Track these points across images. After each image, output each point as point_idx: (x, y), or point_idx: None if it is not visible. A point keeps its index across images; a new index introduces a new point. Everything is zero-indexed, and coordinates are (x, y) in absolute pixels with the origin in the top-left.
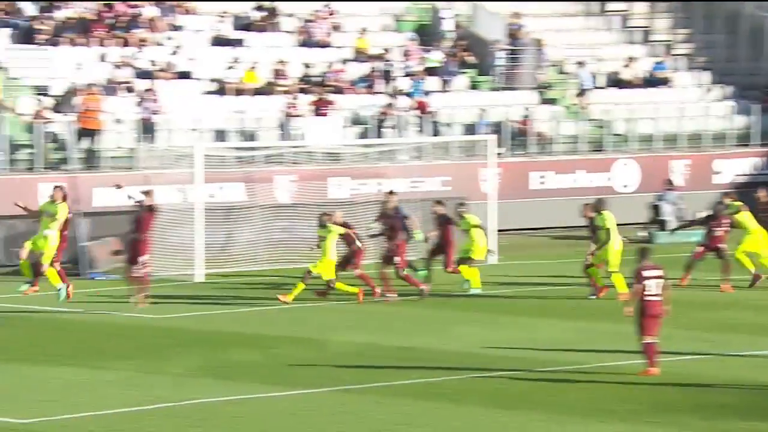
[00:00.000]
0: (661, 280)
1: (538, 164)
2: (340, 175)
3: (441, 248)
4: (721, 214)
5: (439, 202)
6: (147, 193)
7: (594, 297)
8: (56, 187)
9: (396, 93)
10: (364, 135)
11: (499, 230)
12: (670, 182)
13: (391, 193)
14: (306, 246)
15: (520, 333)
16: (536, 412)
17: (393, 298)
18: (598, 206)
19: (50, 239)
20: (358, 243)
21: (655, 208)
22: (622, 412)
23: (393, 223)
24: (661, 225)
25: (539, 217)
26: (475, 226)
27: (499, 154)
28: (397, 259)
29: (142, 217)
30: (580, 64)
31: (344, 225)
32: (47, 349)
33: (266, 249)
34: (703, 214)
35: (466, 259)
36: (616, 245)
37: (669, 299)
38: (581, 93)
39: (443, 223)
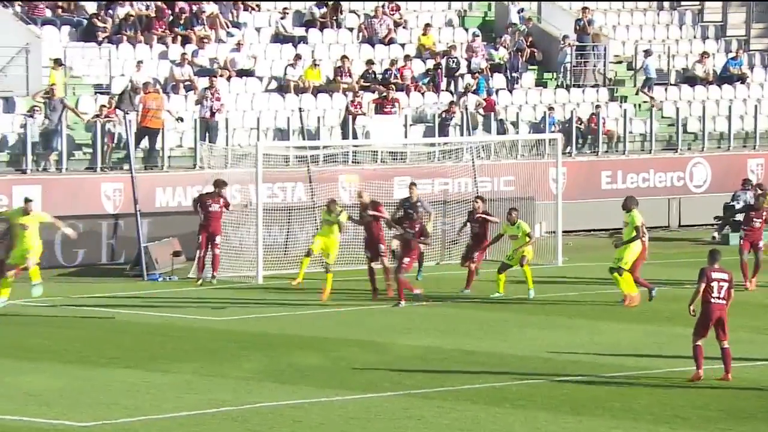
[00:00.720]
0: (726, 284)
1: (607, 163)
2: (403, 174)
3: (476, 245)
4: (761, 205)
5: (480, 198)
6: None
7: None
8: (27, 200)
9: (462, 91)
10: (427, 134)
11: (566, 231)
12: (747, 182)
13: (412, 185)
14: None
15: (586, 336)
16: (605, 419)
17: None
18: (627, 204)
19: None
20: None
21: (730, 209)
22: (694, 418)
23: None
24: (736, 227)
25: (607, 217)
26: (527, 235)
27: (566, 153)
28: (406, 259)
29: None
30: (646, 52)
31: (374, 206)
32: (105, 352)
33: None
34: (741, 205)
35: (507, 266)
36: (637, 246)
37: (729, 304)
38: (646, 85)
39: (482, 220)
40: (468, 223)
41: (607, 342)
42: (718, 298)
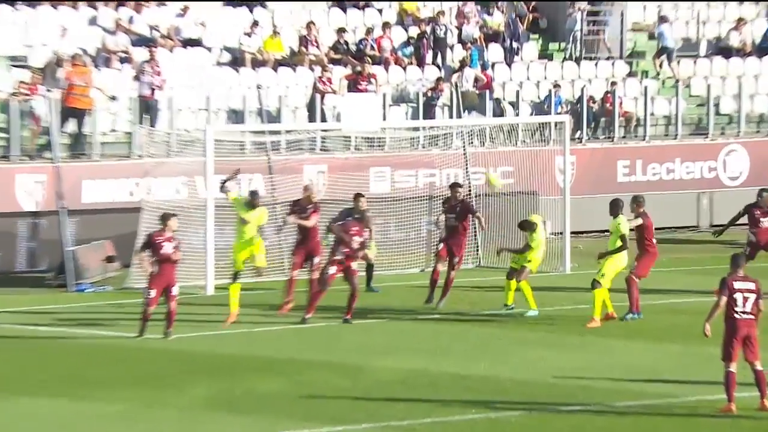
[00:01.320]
0: (753, 296)
1: (624, 151)
2: (381, 164)
3: (453, 243)
4: (764, 202)
5: (457, 185)
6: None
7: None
8: None
9: (452, 65)
10: (410, 116)
11: (574, 232)
12: None
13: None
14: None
15: (599, 358)
16: None
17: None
18: (613, 208)
19: None
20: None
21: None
22: None
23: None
24: None
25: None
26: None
27: (576, 138)
28: (332, 268)
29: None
30: (662, 19)
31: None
32: (26, 378)
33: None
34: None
35: (517, 272)
36: (621, 259)
37: (760, 318)
38: (662, 56)
39: (461, 212)
40: (444, 215)
41: (624, 364)
42: (744, 312)
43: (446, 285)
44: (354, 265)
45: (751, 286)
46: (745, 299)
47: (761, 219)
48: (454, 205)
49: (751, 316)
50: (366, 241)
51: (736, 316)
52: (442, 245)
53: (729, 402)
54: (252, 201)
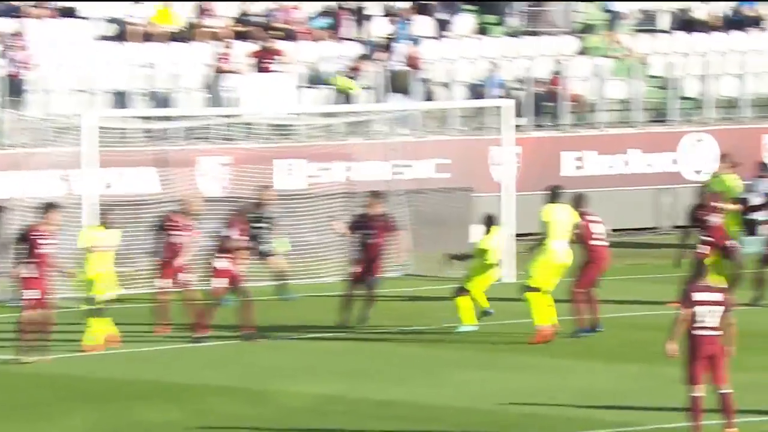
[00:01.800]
0: (721, 308)
1: (574, 141)
2: (292, 156)
3: (368, 266)
4: (709, 197)
5: (377, 194)
6: None
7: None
8: None
9: (376, 40)
10: (326, 100)
11: (518, 234)
12: (764, 166)
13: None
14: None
15: (547, 380)
16: None
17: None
18: (549, 195)
19: None
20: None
21: (742, 203)
22: None
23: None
24: (750, 227)
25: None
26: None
27: (518, 126)
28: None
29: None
30: None
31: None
32: None
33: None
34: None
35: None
36: (557, 256)
37: (732, 336)
38: (613, 26)
39: (381, 229)
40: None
41: (577, 387)
42: (707, 327)
43: (369, 298)
44: (239, 269)
45: (718, 297)
46: (710, 312)
47: (706, 218)
48: (371, 219)
49: (715, 332)
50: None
51: (696, 332)
52: (357, 267)
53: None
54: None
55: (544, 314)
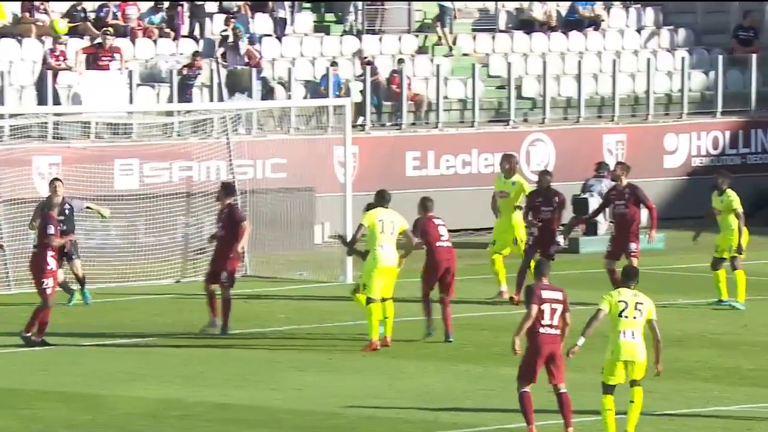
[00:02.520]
0: (560, 307)
1: (415, 140)
2: (128, 156)
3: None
4: (618, 185)
5: (226, 187)
6: None
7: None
8: None
9: (213, 38)
10: (162, 98)
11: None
12: (602, 165)
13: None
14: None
15: (384, 381)
16: None
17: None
18: (374, 199)
19: None
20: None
21: (581, 204)
22: None
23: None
24: (591, 227)
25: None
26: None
27: (358, 126)
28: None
29: None
30: None
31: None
32: None
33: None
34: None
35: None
36: (382, 260)
37: (566, 335)
38: (441, 21)
39: (229, 221)
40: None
41: (414, 389)
42: (550, 326)
43: (225, 305)
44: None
45: (558, 296)
46: (553, 311)
47: (542, 208)
48: (221, 211)
49: (557, 331)
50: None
51: (541, 331)
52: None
53: (528, 425)
54: None
55: (374, 327)
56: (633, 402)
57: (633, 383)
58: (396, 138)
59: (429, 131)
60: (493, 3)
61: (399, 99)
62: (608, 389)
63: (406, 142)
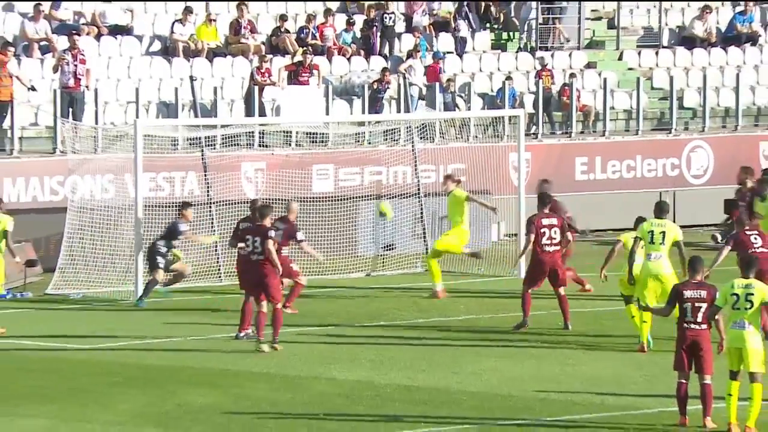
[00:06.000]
0: (704, 305)
1: (583, 147)
2: (324, 162)
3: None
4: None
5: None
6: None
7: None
8: None
9: (401, 56)
10: (355, 110)
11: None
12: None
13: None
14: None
15: (556, 367)
16: None
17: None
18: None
19: None
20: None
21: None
22: None
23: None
24: None
25: (583, 215)
26: None
27: (531, 134)
28: None
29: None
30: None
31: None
32: None
33: (224, 260)
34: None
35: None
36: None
37: (722, 333)
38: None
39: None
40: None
41: (583, 375)
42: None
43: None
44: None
45: (703, 293)
46: (692, 309)
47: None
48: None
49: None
50: None
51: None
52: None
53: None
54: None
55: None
56: (752, 398)
57: (751, 378)
58: (565, 145)
59: (596, 139)
60: (657, 21)
61: (569, 109)
62: (731, 375)
63: (575, 149)
